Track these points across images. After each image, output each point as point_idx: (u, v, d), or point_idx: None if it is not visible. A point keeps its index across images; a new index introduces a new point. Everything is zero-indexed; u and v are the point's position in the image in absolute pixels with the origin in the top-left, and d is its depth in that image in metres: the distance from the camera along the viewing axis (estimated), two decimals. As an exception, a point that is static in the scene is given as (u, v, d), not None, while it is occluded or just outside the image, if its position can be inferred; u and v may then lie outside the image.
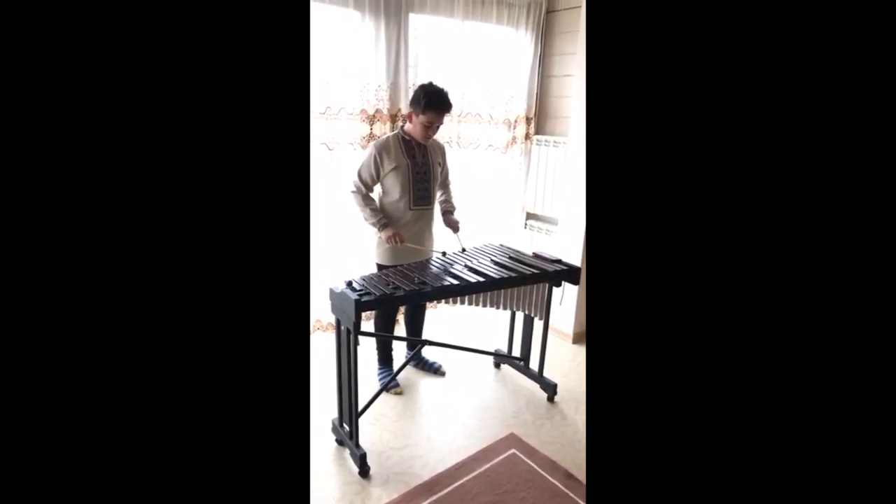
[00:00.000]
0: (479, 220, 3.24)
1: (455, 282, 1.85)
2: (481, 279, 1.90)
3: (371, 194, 2.20)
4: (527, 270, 2.01)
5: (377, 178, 2.15)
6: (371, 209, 2.14)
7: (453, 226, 2.33)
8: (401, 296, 1.75)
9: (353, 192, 2.15)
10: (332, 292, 1.78)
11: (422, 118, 2.06)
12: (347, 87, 2.56)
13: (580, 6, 2.74)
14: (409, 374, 2.54)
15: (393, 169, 2.11)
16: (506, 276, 1.94)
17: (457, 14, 2.77)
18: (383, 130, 2.71)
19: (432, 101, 2.02)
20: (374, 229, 2.20)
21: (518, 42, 3.03)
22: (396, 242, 2.11)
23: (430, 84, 2.07)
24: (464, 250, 2.22)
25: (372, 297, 1.70)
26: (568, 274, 2.12)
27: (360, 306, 1.66)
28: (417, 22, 2.71)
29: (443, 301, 1.94)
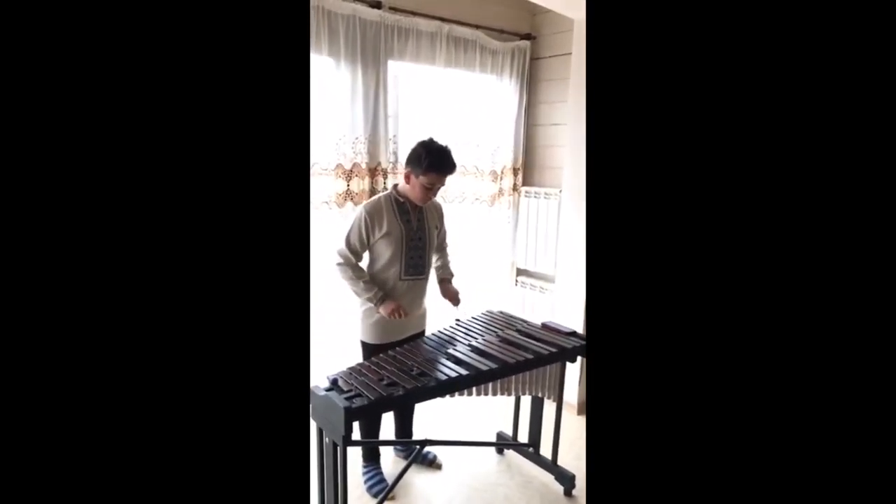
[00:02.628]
0: (467, 278, 2.96)
1: (463, 371, 1.53)
2: (493, 365, 1.58)
3: (360, 264, 1.89)
4: (543, 349, 1.72)
5: (368, 244, 1.85)
6: (364, 283, 1.82)
7: (452, 297, 2.03)
8: (400, 395, 1.41)
9: (339, 264, 1.83)
10: (312, 394, 1.42)
11: (422, 179, 1.78)
12: (321, 140, 2.27)
13: (568, 53, 2.61)
14: (399, 470, 2.14)
15: (384, 235, 1.81)
16: (521, 358, 1.64)
17: (438, 61, 2.58)
18: (362, 186, 2.42)
19: (435, 162, 1.76)
20: (360, 302, 1.88)
21: (502, 90, 2.86)
22: (399, 317, 1.80)
23: (432, 141, 1.81)
24: (458, 321, 1.93)
25: (365, 402, 1.35)
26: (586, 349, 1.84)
27: (352, 415, 1.31)
28: (397, 70, 2.49)
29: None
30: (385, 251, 1.84)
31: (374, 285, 1.84)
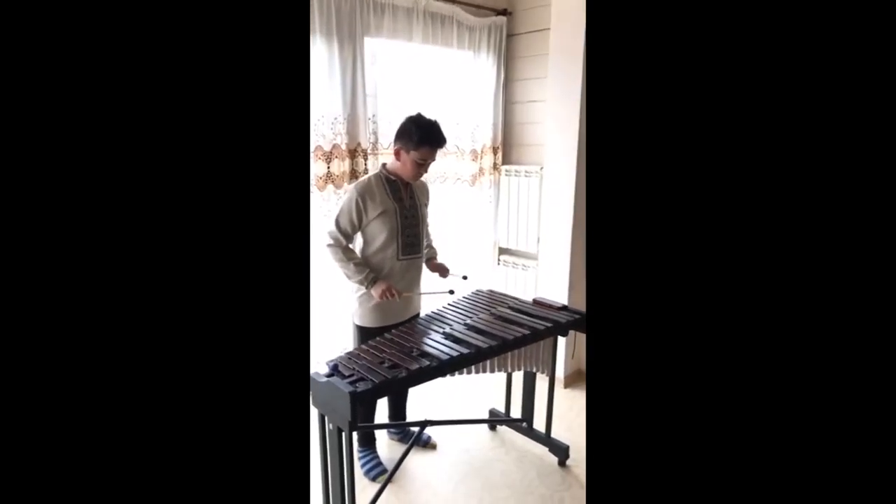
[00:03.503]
0: (450, 258, 2.94)
1: (464, 350, 1.52)
2: (493, 342, 1.58)
3: (351, 246, 1.85)
4: (539, 324, 1.73)
5: (359, 226, 1.81)
6: (355, 264, 1.79)
7: (442, 270, 2.03)
8: (404, 377, 1.39)
9: (329, 245, 1.79)
10: (313, 382, 1.39)
11: (414, 154, 1.75)
12: (299, 121, 2.19)
13: (546, 28, 2.58)
14: (394, 453, 2.14)
15: (379, 214, 1.78)
16: (519, 335, 1.65)
17: (415, 38, 2.51)
18: (342, 168, 2.36)
19: (427, 136, 1.73)
20: (355, 287, 1.85)
21: (480, 67, 2.82)
22: (391, 297, 1.77)
23: (420, 116, 1.77)
24: (451, 292, 1.95)
25: (369, 385, 1.33)
26: (579, 322, 1.87)
27: (357, 399, 1.29)
28: (374, 46, 2.41)
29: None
30: (381, 231, 1.80)
31: (366, 267, 1.80)
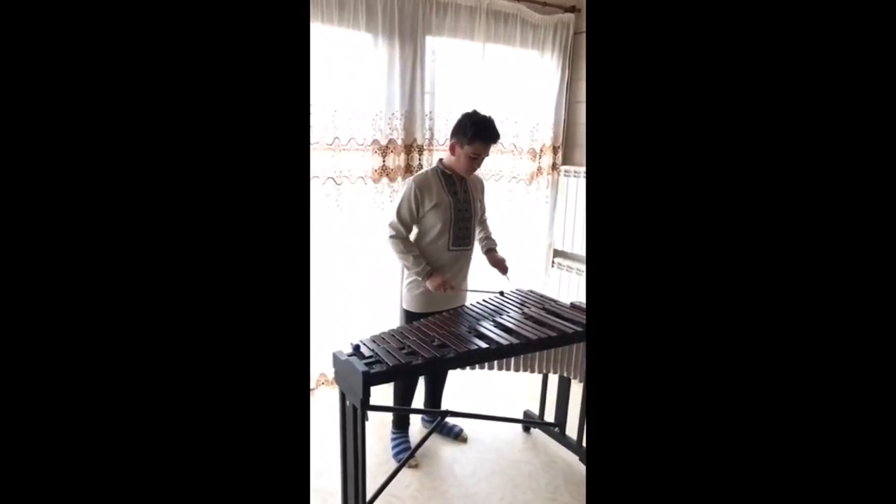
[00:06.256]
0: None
1: (483, 344, 1.54)
2: (514, 341, 1.58)
3: (410, 236, 1.96)
4: (567, 327, 1.69)
5: (417, 217, 1.91)
6: (414, 257, 1.89)
7: (500, 265, 2.09)
8: (419, 364, 1.44)
9: (391, 237, 1.90)
10: (335, 359, 1.48)
11: (467, 149, 1.83)
12: (358, 116, 2.32)
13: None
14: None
15: (434, 206, 1.87)
16: (544, 335, 1.63)
17: (477, 37, 2.54)
18: (397, 162, 2.45)
19: (480, 131, 1.80)
20: (405, 274, 1.97)
21: (544, 66, 2.78)
22: (445, 291, 1.87)
23: (475, 112, 1.85)
24: (501, 293, 2.00)
25: (383, 368, 1.39)
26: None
27: (370, 379, 1.36)
28: (435, 45, 2.48)
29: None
30: (434, 223, 1.89)
31: (423, 260, 1.90)
